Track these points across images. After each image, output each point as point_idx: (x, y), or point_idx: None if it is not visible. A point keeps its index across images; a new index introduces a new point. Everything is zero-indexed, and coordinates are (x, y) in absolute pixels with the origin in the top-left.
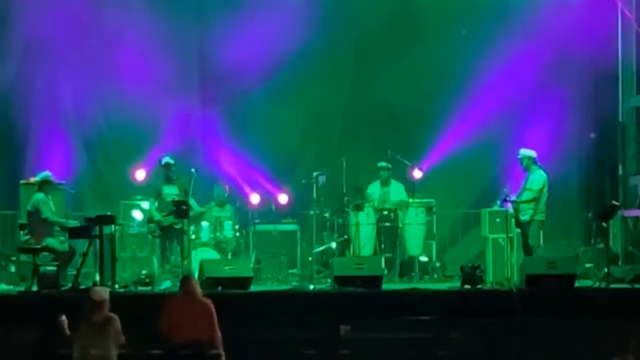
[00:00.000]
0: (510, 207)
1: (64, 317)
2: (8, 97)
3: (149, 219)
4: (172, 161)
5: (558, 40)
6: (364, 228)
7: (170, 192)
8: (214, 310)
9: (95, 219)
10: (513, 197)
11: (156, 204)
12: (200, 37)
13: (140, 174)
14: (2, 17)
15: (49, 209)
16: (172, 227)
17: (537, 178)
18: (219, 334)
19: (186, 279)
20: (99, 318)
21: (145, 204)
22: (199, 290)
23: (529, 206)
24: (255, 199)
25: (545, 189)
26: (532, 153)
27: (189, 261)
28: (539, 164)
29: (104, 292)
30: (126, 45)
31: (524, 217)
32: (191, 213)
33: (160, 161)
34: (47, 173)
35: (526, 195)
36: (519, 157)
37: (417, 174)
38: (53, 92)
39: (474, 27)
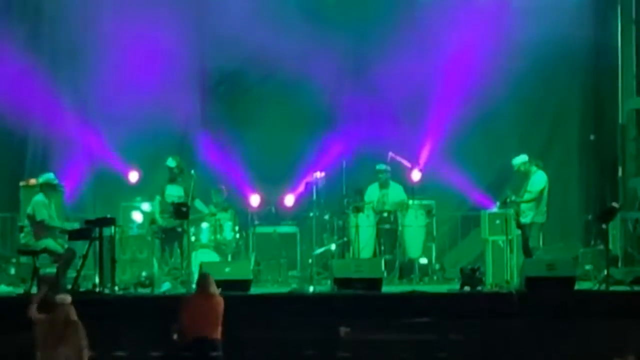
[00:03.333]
0: (496, 208)
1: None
2: (8, 99)
3: (151, 220)
4: (172, 164)
5: (558, 40)
6: (364, 230)
7: (173, 193)
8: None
9: (95, 221)
10: (513, 197)
11: (159, 205)
12: (200, 36)
13: (132, 176)
14: (2, 15)
15: (47, 212)
16: (174, 230)
17: (538, 180)
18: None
19: (201, 277)
20: (59, 321)
21: (146, 206)
22: (214, 288)
23: (528, 207)
24: (255, 200)
25: (546, 191)
26: (525, 157)
27: (188, 262)
28: (535, 162)
29: (65, 296)
30: (126, 45)
31: (525, 219)
32: (197, 215)
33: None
34: (50, 175)
35: (526, 197)
36: (514, 169)
37: (416, 175)
38: (54, 93)
39: (474, 28)
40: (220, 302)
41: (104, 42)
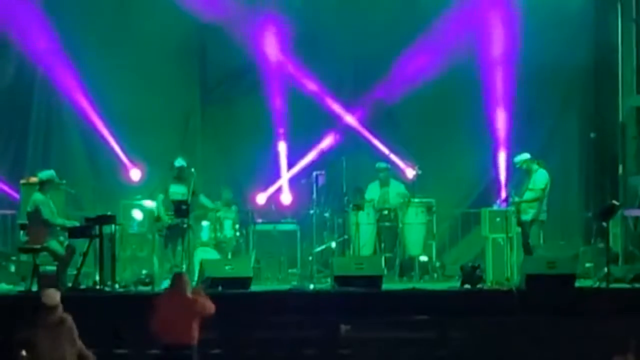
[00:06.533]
0: (505, 206)
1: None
2: (8, 97)
3: (156, 218)
4: (181, 163)
5: (558, 39)
6: (364, 228)
7: (178, 191)
8: (198, 309)
9: (95, 218)
10: (516, 199)
11: (162, 203)
12: (200, 36)
13: (135, 174)
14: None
15: (50, 210)
16: (179, 226)
17: (540, 178)
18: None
19: (175, 277)
20: (52, 320)
21: (148, 203)
22: (187, 288)
23: (530, 205)
24: (261, 199)
25: (548, 189)
26: (527, 155)
27: (189, 261)
28: (537, 161)
29: (55, 295)
30: (125, 45)
31: (526, 217)
32: (202, 210)
33: (172, 163)
34: (51, 172)
35: (528, 195)
36: (517, 166)
37: (410, 173)
38: (52, 92)
39: (474, 26)
40: (192, 304)
41: (100, 41)
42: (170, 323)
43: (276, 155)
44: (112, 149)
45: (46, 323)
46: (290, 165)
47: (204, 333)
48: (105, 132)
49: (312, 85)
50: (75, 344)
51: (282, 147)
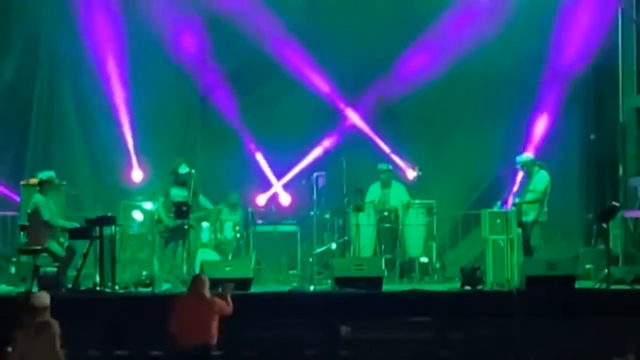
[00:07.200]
0: (507, 207)
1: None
2: (8, 98)
3: (157, 220)
4: (184, 170)
5: (558, 39)
6: (364, 229)
7: (179, 193)
8: (216, 310)
9: (95, 220)
10: (517, 200)
11: (163, 206)
12: (201, 37)
13: (137, 175)
14: (2, 16)
15: (50, 211)
16: (180, 227)
17: (541, 179)
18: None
19: (194, 279)
20: (37, 322)
21: (149, 205)
22: (206, 290)
23: (531, 207)
24: (260, 200)
25: (549, 190)
26: (530, 156)
27: (189, 262)
28: (539, 162)
29: (45, 298)
30: (125, 46)
31: (527, 218)
32: (203, 212)
33: (176, 169)
34: (51, 173)
35: (529, 197)
36: (518, 166)
37: (411, 174)
38: (53, 93)
39: (475, 25)
40: (211, 304)
41: (101, 40)
42: (189, 324)
43: (268, 161)
44: (115, 148)
45: (31, 324)
46: (290, 167)
47: None
48: (107, 131)
49: (312, 84)
50: (55, 352)
51: (260, 158)
